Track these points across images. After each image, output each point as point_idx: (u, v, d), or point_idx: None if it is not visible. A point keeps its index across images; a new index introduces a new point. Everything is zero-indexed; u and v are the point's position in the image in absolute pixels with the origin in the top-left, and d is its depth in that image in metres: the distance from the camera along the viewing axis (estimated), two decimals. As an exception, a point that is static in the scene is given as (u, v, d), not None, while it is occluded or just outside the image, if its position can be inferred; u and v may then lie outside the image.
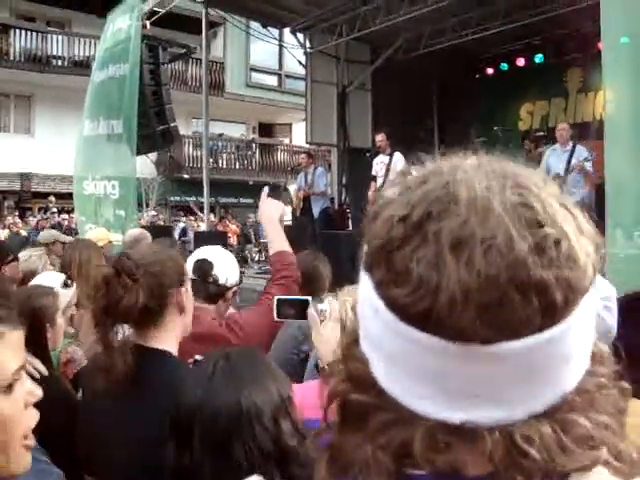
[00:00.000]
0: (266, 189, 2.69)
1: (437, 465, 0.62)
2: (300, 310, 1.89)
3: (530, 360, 0.59)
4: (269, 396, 1.33)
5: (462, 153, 0.69)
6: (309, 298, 1.92)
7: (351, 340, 0.72)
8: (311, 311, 1.83)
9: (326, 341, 1.76)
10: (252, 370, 1.39)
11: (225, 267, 2.68)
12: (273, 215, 2.64)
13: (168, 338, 1.84)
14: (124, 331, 1.83)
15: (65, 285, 2.95)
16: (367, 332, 0.68)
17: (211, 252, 2.72)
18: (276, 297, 1.97)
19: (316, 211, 10.63)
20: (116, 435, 1.67)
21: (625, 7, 5.07)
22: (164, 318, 1.82)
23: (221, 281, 2.65)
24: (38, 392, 1.07)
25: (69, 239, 6.23)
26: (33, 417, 1.07)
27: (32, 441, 1.05)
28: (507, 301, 0.57)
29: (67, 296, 2.85)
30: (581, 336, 0.62)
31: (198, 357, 2.03)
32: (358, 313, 0.71)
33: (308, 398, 1.91)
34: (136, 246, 2.43)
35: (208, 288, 2.63)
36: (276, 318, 1.97)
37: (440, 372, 0.61)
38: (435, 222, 0.60)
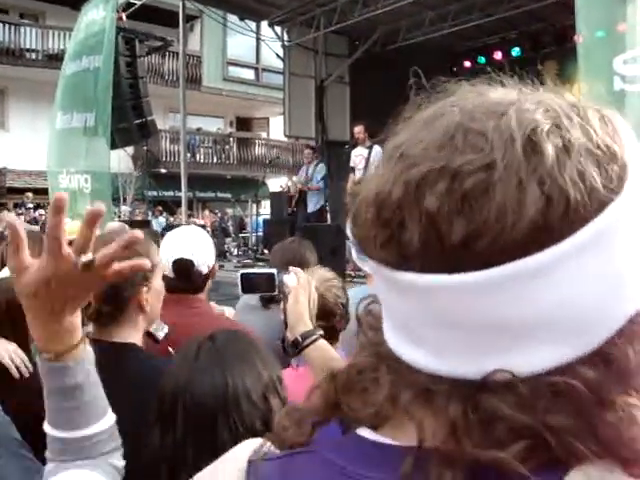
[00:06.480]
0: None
1: None
2: (266, 283, 1.86)
3: None
4: (257, 375, 1.30)
5: None
6: (274, 270, 1.89)
7: None
8: (288, 278, 1.80)
9: (298, 311, 1.73)
10: (238, 350, 1.36)
11: (204, 255, 2.58)
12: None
13: (131, 332, 1.77)
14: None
15: None
16: None
17: (187, 244, 2.57)
18: (240, 271, 1.93)
19: (311, 206, 10.63)
20: None
21: (600, 1, 5.12)
22: (124, 317, 1.75)
23: (204, 271, 2.57)
24: None
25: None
26: None
27: None
28: None
29: None
30: None
31: None
32: None
33: (300, 386, 1.89)
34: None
35: (194, 283, 2.56)
36: (241, 293, 1.93)
37: None
38: None
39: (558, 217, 0.47)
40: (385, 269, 0.53)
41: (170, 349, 2.06)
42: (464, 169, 0.49)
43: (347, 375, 0.62)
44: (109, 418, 1.06)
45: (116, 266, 0.89)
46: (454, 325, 0.51)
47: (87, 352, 1.00)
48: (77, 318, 0.97)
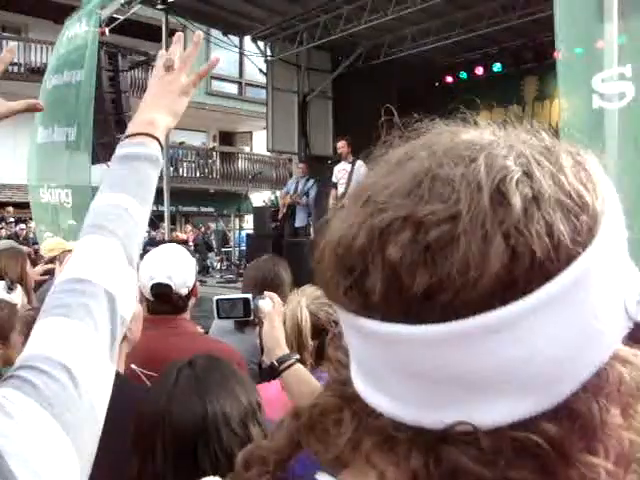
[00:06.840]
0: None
1: None
2: (241, 309, 1.85)
3: None
4: (237, 401, 1.29)
5: None
6: (249, 295, 1.88)
7: None
8: (264, 303, 1.80)
9: (274, 336, 1.74)
10: (218, 376, 1.35)
11: (182, 277, 2.49)
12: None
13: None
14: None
15: (9, 289, 2.88)
16: None
17: (164, 268, 2.48)
18: (215, 297, 1.93)
19: (298, 221, 10.62)
20: None
21: (579, 18, 5.19)
22: None
23: (184, 293, 2.51)
24: None
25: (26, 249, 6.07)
26: None
27: None
28: None
29: (17, 300, 2.77)
30: None
31: None
32: None
33: (272, 398, 1.88)
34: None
35: (174, 306, 2.51)
36: (217, 318, 1.93)
37: None
38: None
39: (523, 271, 0.46)
40: (348, 315, 0.52)
41: (133, 366, 2.04)
42: (428, 219, 0.48)
43: (310, 414, 0.60)
44: (142, 209, 1.14)
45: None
46: (416, 375, 0.50)
47: (158, 151, 1.19)
48: (162, 121, 1.27)
